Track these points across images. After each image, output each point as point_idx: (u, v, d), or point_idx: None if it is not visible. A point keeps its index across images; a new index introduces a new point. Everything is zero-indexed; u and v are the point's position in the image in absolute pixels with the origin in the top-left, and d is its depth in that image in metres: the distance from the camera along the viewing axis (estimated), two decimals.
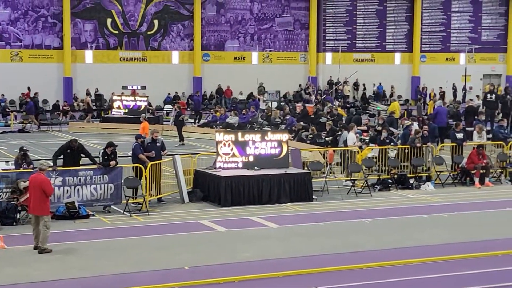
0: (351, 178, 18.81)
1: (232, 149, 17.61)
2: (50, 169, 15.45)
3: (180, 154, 18.56)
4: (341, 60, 46.06)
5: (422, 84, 48.71)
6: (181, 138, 28.14)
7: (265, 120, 31.20)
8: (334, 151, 20.72)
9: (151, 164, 16.52)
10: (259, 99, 39.13)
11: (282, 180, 17.07)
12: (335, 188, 18.62)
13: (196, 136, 30.81)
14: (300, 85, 46.60)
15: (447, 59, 50.71)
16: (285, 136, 18.19)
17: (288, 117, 30.25)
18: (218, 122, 31.98)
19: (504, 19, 51.52)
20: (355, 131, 21.34)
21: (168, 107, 40.03)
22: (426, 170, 20.04)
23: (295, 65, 47.24)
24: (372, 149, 20.92)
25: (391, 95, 48.26)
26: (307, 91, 45.91)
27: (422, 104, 37.00)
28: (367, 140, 22.37)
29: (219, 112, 33.33)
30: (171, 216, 15.77)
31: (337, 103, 39.46)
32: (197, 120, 34.85)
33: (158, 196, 17.08)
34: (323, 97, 39.80)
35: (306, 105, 35.53)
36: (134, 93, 38.89)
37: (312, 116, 31.76)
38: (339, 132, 23.32)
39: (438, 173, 19.88)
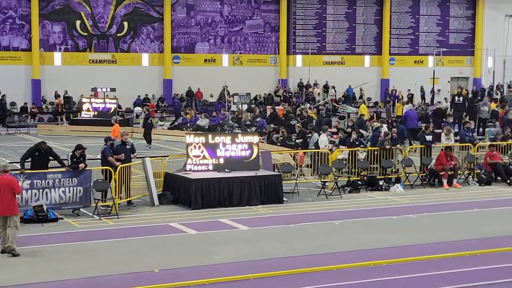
0: (322, 180, 18.87)
1: (202, 152, 17.57)
2: (18, 172, 15.29)
3: (150, 157, 18.45)
4: (311, 63, 46.29)
5: (391, 86, 49.15)
6: (148, 141, 27.97)
7: (235, 123, 31.20)
8: (304, 153, 20.79)
9: (121, 167, 16.40)
10: (229, 101, 39.12)
11: (253, 182, 17.06)
12: (306, 190, 18.68)
13: (166, 138, 30.69)
14: (283, 87, 46.66)
15: (415, 61, 51.25)
16: (255, 138, 18.20)
17: (258, 119, 30.29)
18: (188, 125, 31.92)
19: (471, 22, 52.25)
20: (327, 134, 21.45)
21: (138, 109, 39.84)
22: (395, 172, 20.19)
23: (266, 67, 47.34)
24: (342, 151, 21.02)
25: (361, 97, 48.61)
26: (277, 94, 46.03)
27: (391, 106, 37.26)
28: (337, 142, 22.49)
29: (190, 114, 33.28)
30: (141, 219, 15.68)
31: (308, 105, 39.61)
32: (176, 122, 34.81)
33: (128, 199, 16.97)
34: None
35: (276, 107, 35.60)
36: (96, 95, 38.61)
37: (282, 118, 31.85)
38: (309, 134, 23.40)
39: (407, 174, 20.06)
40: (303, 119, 28.84)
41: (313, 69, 46.44)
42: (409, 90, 46.98)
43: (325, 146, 20.31)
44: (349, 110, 37.50)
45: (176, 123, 34.04)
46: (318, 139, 20.94)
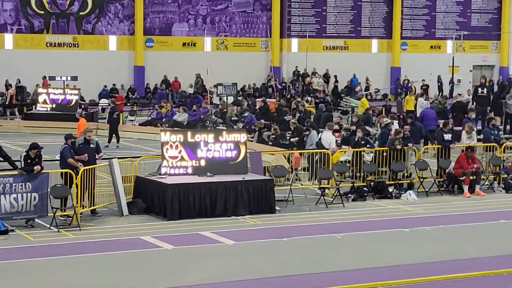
0: (321, 185, 18.92)
1: (180, 152, 17.56)
2: None
3: (118, 158, 18.44)
4: (308, 48, 46.32)
5: (403, 76, 49.27)
6: (110, 139, 27.94)
7: (219, 118, 31.21)
8: (300, 154, 20.81)
9: (84, 170, 16.38)
10: (212, 93, 39.11)
11: (240, 188, 17.07)
12: (302, 198, 18.71)
13: (138, 136, 30.67)
14: (276, 76, 46.70)
15: (431, 47, 51.41)
16: (243, 137, 18.21)
17: (246, 114, 30.32)
18: (163, 120, 31.90)
19: (497, 1, 52.43)
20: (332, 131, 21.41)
21: (104, 101, 39.80)
22: (408, 177, 20.25)
23: (255, 53, 47.35)
24: (345, 151, 21.05)
25: (367, 89, 48.77)
26: (268, 84, 46.09)
27: (403, 99, 37.41)
28: (339, 142, 22.54)
29: (165, 108, 33.27)
30: (107, 232, 15.66)
31: (309, 98, 39.67)
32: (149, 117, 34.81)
33: (92, 208, 16.95)
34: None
35: (268, 100, 35.64)
36: (45, 84, 38.52)
37: (275, 113, 31.86)
38: (307, 132, 23.43)
39: (422, 179, 20.11)
40: (299, 114, 28.87)
41: (311, 55, 46.47)
42: (423, 80, 47.10)
43: (333, 146, 20.23)
44: (353, 103, 37.63)
45: (149, 117, 34.04)
46: (320, 137, 20.79)
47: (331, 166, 19.41)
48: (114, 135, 28.16)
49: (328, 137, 20.62)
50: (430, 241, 15.20)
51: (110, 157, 18.85)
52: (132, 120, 35.08)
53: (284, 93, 44.03)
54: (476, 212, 18.11)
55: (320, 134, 21.21)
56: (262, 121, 28.20)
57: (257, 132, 26.20)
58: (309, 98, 40.12)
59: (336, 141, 22.58)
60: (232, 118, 30.24)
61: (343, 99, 42.60)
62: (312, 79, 47.22)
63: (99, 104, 40.31)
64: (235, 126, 28.62)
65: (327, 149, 19.98)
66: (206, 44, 46.29)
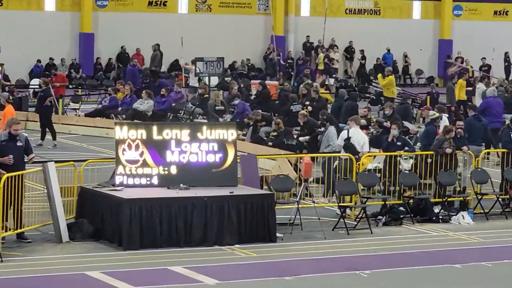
0: (341, 204, 18.91)
1: (142, 154, 17.55)
2: None
3: (56, 161, 18.40)
4: (326, 11, 46.25)
5: (456, 52, 49.32)
6: (44, 136, 27.87)
7: (198, 107, 31.20)
8: (312, 159, 20.79)
9: (8, 177, 16.35)
10: (188, 71, 39.05)
11: (226, 206, 17.06)
12: (314, 221, 18.72)
13: (83, 131, 30.65)
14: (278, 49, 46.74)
15: (495, 13, 51.52)
16: (231, 133, 18.20)
17: (237, 101, 30.32)
18: (120, 109, 31.88)
19: None
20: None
21: (36, 82, 39.77)
22: (461, 192, 20.26)
23: (250, 16, 47.39)
24: (375, 156, 21.04)
25: (406, 70, 48.81)
26: (269, 58, 46.10)
27: (455, 84, 37.60)
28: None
29: (122, 92, 33.24)
30: (39, 264, 15.63)
31: (332, 80, 39.63)
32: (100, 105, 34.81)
33: (19, 231, 16.93)
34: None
35: (268, 82, 35.58)
36: None
37: (276, 100, 31.83)
38: (322, 128, 23.41)
39: (480, 197, 20.14)
40: (311, 102, 28.82)
41: (330, 22, 46.38)
42: (483, 59, 47.19)
43: (364, 148, 20.17)
44: None
45: (99, 105, 33.97)
46: (348, 136, 20.42)
47: (355, 177, 19.41)
48: (48, 129, 28.09)
49: (360, 136, 20.49)
50: (491, 281, 15.24)
51: (44, 160, 18.80)
52: (75, 109, 35.03)
53: (291, 72, 44.05)
54: None
55: (346, 131, 20.92)
56: (259, 111, 28.18)
57: (251, 127, 26.21)
58: (331, 80, 40.02)
59: None
60: (217, 107, 30.22)
61: (373, 83, 42.59)
62: (331, 54, 47.05)
63: (31, 86, 40.25)
64: (220, 119, 28.61)
65: (358, 152, 19.85)
66: (181, 4, 46.30)
